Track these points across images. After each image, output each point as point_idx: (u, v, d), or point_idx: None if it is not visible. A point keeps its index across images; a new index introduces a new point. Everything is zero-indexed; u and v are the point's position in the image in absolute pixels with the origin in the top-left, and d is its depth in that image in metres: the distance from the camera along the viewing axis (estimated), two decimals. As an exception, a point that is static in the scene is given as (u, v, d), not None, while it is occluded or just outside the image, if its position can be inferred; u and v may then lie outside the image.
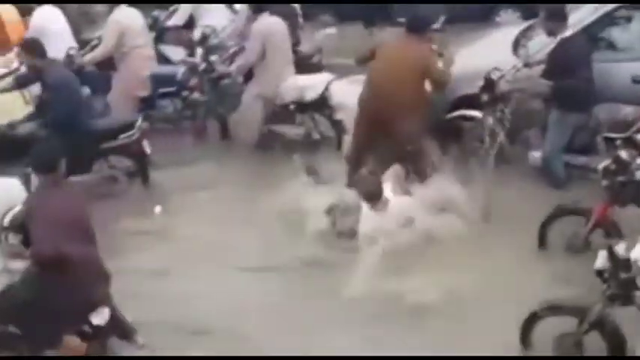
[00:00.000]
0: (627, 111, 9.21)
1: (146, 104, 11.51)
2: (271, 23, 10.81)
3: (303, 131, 10.98)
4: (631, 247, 6.34)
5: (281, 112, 10.93)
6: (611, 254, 6.31)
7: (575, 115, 9.17)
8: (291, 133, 10.99)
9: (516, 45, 10.87)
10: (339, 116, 10.66)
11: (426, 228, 8.34)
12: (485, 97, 9.51)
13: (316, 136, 11.01)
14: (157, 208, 9.64)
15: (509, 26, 12.12)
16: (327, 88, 10.73)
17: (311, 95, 10.70)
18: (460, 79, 9.92)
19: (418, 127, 9.18)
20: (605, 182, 7.62)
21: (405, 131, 9.01)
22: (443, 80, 9.29)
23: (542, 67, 9.51)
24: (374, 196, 8.50)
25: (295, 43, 11.71)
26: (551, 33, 9.31)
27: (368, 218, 8.46)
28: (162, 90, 11.52)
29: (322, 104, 10.78)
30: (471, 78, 9.84)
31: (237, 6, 12.34)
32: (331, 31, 14.71)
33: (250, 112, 10.80)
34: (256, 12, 10.80)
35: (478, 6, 14.39)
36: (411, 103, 9.05)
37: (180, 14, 12.83)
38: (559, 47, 9.19)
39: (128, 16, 11.52)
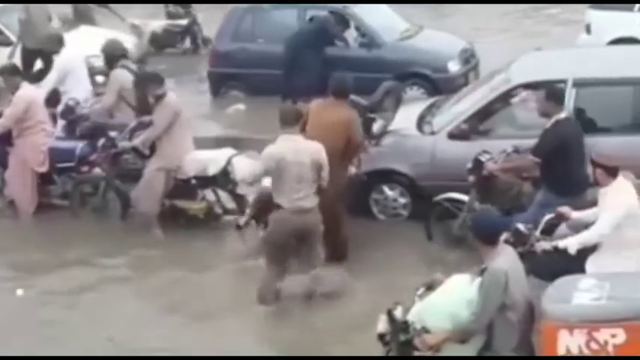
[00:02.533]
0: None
1: (44, 180, 11.30)
2: (178, 101, 10.85)
3: (205, 206, 10.85)
4: (408, 310, 6.75)
5: (183, 187, 10.82)
6: (391, 318, 6.72)
7: (564, 200, 8.66)
8: (194, 209, 10.84)
9: (421, 121, 10.90)
10: (241, 191, 10.59)
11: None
12: (472, 178, 9.48)
13: (218, 210, 10.91)
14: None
15: (415, 102, 12.14)
16: (229, 163, 10.66)
17: (213, 169, 10.63)
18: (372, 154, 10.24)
19: (342, 187, 9.45)
20: None
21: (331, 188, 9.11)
22: (358, 144, 9.59)
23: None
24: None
25: None
26: (545, 114, 9.18)
27: None
28: (60, 165, 11.27)
29: (224, 178, 10.70)
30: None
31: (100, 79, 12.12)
32: (240, 106, 14.71)
33: (152, 185, 10.64)
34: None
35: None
36: (339, 160, 9.29)
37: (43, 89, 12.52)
38: (553, 127, 9.07)
39: (33, 91, 11.44)
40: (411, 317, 6.81)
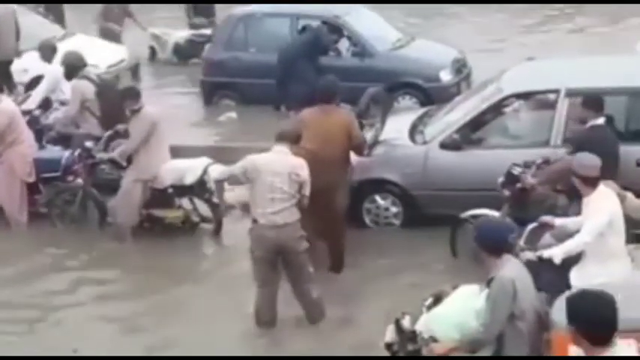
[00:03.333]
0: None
1: (31, 190, 11.28)
2: (156, 112, 10.87)
3: (182, 214, 10.92)
4: (416, 320, 6.74)
5: (159, 196, 10.86)
6: (398, 328, 6.72)
7: None
8: (171, 217, 10.90)
9: (413, 131, 10.89)
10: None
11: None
12: (506, 193, 9.27)
13: (195, 219, 10.98)
14: None
15: (407, 112, 12.15)
16: (205, 172, 10.72)
17: (190, 178, 10.69)
18: (362, 165, 10.17)
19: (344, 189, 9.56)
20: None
21: (334, 191, 9.28)
22: (362, 142, 9.68)
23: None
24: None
25: None
26: (582, 121, 9.16)
27: None
28: (46, 175, 11.27)
29: (201, 187, 10.78)
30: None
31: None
32: (231, 114, 14.72)
33: (129, 197, 10.66)
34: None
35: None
36: (342, 163, 9.46)
37: (33, 99, 12.52)
38: (589, 132, 9.07)
39: (12, 104, 11.51)
40: (419, 327, 6.78)
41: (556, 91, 10.05)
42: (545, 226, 8.15)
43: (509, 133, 10.55)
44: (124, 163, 10.82)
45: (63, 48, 12.87)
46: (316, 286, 8.73)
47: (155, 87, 17.00)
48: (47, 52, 12.90)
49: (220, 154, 11.74)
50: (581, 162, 7.83)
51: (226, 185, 9.37)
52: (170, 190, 10.83)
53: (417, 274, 9.57)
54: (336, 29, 14.79)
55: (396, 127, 11.05)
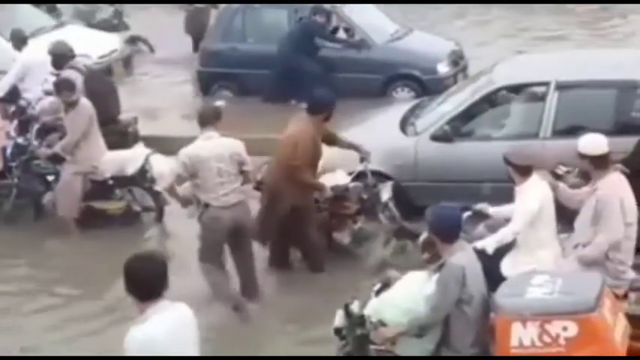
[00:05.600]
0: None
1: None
2: (90, 105, 10.86)
3: (123, 205, 10.99)
4: (365, 305, 6.83)
5: (99, 188, 10.95)
6: (347, 312, 6.81)
7: None
8: (112, 208, 10.98)
9: (404, 123, 10.93)
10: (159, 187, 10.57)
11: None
12: None
13: (137, 208, 11.08)
14: None
15: (398, 104, 12.17)
16: (146, 161, 10.85)
17: (132, 169, 10.76)
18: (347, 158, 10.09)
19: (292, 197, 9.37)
20: (425, 256, 7.65)
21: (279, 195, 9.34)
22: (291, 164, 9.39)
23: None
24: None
25: None
26: None
27: None
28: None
29: (142, 177, 10.89)
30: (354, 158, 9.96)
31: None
32: (220, 103, 14.65)
33: (70, 189, 10.71)
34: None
35: (378, 82, 14.53)
36: (285, 173, 9.33)
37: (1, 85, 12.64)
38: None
39: None
40: (367, 312, 6.90)
41: (546, 84, 10.09)
42: (480, 215, 8.28)
43: (499, 125, 10.58)
44: (68, 157, 10.80)
45: (55, 38, 12.88)
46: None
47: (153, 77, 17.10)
48: (17, 41, 13.04)
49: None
50: (515, 152, 8.01)
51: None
52: (110, 182, 10.90)
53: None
54: (324, 12, 14.70)
55: (388, 119, 11.09)
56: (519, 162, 7.83)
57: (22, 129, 11.56)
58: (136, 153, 11.06)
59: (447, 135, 10.31)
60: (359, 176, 9.99)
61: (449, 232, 6.84)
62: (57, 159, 10.93)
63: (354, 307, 6.95)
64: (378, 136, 10.78)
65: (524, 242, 7.79)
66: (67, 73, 11.62)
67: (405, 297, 6.86)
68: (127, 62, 17.11)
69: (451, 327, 6.77)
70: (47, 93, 12.01)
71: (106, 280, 9.51)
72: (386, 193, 9.91)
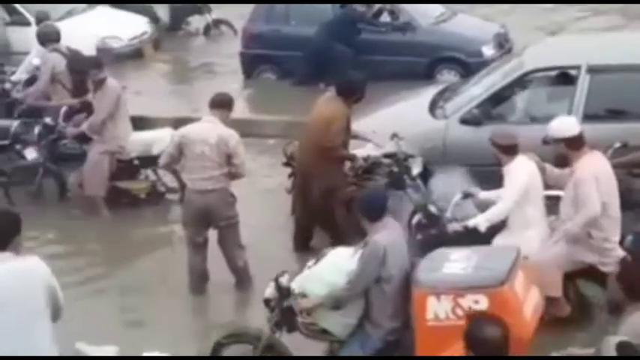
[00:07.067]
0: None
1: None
2: (118, 84, 11.01)
3: (148, 185, 11.11)
4: (293, 277, 7.18)
5: (124, 168, 11.04)
6: (277, 284, 7.09)
7: None
8: (136, 188, 11.08)
9: (433, 106, 10.82)
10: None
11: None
12: None
13: (161, 188, 11.17)
14: None
15: (428, 87, 12.04)
16: None
17: (157, 149, 10.68)
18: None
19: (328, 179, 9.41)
20: (419, 236, 7.86)
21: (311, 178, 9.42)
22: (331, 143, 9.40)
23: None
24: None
25: None
26: None
27: None
28: None
29: None
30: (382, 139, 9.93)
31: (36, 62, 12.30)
32: (235, 86, 14.65)
33: (98, 168, 10.83)
34: None
35: (423, 65, 14.44)
36: (317, 154, 9.32)
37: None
38: None
39: None
40: (293, 284, 7.15)
41: (577, 67, 9.90)
42: (470, 198, 8.43)
43: (529, 109, 10.41)
44: (95, 137, 10.91)
45: (85, 20, 12.98)
46: (243, 254, 9.14)
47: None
48: (42, 36, 13.06)
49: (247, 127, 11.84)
50: (498, 133, 8.22)
51: None
52: (135, 162, 10.99)
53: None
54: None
55: (418, 102, 10.99)
56: (504, 142, 8.07)
57: (7, 111, 11.76)
58: (162, 133, 11.11)
59: (476, 118, 10.17)
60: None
61: (374, 211, 7.13)
62: (84, 138, 11.05)
63: (284, 279, 7.21)
64: (408, 118, 10.70)
65: (513, 222, 7.96)
66: (51, 56, 11.79)
67: (327, 271, 7.12)
68: (156, 44, 17.23)
69: (371, 302, 7.03)
70: (31, 77, 12.16)
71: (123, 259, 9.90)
72: (417, 167, 9.84)
